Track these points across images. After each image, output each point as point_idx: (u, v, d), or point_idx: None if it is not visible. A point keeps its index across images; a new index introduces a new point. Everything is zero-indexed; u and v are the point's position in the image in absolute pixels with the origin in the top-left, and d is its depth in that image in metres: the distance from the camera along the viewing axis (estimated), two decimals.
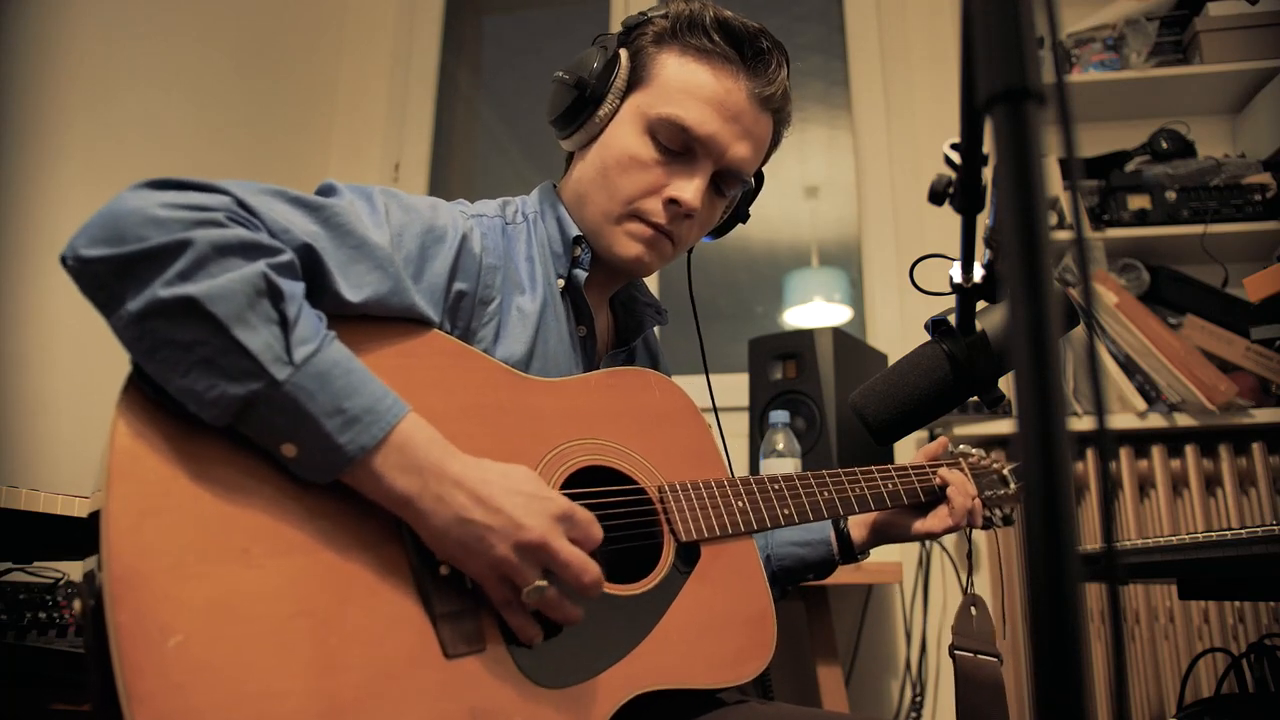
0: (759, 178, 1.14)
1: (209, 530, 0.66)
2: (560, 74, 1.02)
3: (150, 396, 0.68)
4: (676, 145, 0.99)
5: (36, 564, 1.39)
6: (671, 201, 0.99)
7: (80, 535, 1.21)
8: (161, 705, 0.59)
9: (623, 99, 1.01)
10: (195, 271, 0.67)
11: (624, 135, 1.00)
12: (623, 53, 1.01)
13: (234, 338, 0.66)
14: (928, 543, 2.20)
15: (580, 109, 1.01)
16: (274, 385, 0.67)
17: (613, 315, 1.16)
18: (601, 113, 1.01)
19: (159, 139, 2.08)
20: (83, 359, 1.78)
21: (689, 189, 0.98)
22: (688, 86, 0.98)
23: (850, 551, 1.17)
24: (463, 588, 0.76)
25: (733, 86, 0.98)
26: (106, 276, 0.67)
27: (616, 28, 1.07)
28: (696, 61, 0.99)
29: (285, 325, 0.69)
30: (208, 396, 0.66)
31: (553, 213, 1.05)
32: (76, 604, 0.66)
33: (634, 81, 1.01)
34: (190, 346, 0.66)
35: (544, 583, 0.75)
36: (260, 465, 0.70)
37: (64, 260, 0.68)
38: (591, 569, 0.76)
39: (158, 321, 0.66)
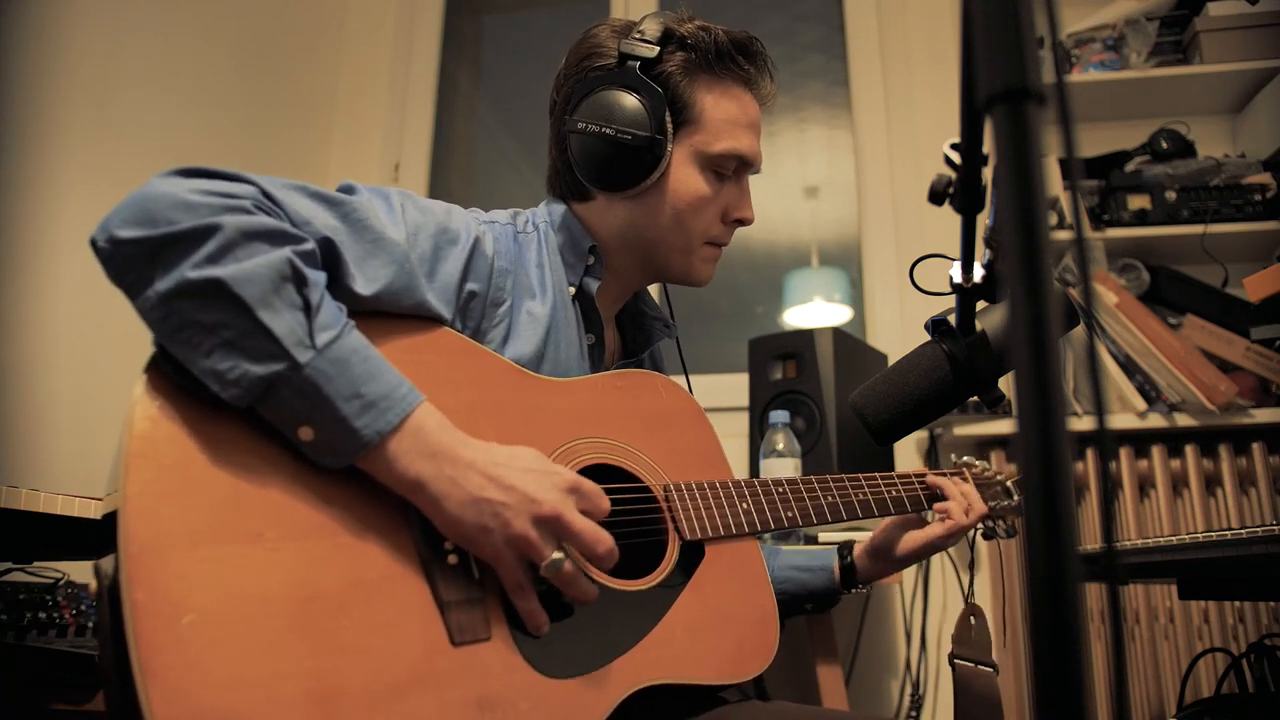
0: None
1: (224, 513, 0.67)
2: (604, 129, 0.97)
3: (171, 379, 0.70)
4: (730, 171, 1.04)
5: (36, 564, 1.39)
6: (737, 221, 1.06)
7: (80, 535, 1.21)
8: (175, 680, 0.60)
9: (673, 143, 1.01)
10: (223, 255, 0.69)
11: (688, 179, 1.01)
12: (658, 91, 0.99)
13: (259, 320, 0.68)
14: None
15: (648, 169, 0.99)
16: (296, 368, 0.69)
17: (619, 330, 1.17)
18: (663, 164, 1.00)
19: (159, 139, 2.08)
20: (83, 359, 1.78)
21: (749, 206, 1.07)
22: (730, 117, 1.02)
23: (851, 580, 1.16)
24: (470, 577, 0.77)
25: (752, 101, 1.05)
26: (137, 258, 0.69)
27: None
28: (728, 89, 1.02)
29: (308, 310, 0.71)
30: (229, 376, 0.68)
31: (564, 223, 1.06)
32: (92, 585, 0.66)
33: (679, 122, 1.01)
34: (215, 328, 0.68)
35: (561, 554, 0.77)
36: (275, 450, 0.71)
37: (94, 242, 0.70)
38: (605, 538, 0.79)
39: (185, 302, 0.68)
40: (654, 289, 1.44)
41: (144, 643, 0.60)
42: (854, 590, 1.17)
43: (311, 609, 0.67)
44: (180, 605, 0.62)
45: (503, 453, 0.78)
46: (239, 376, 0.68)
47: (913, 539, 1.12)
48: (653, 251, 1.05)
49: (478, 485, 0.75)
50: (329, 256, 0.79)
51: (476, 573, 0.78)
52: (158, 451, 0.66)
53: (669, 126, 0.99)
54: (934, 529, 1.11)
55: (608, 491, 0.90)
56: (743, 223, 1.07)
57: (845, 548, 1.17)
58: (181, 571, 0.63)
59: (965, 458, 1.23)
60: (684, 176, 1.01)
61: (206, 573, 0.64)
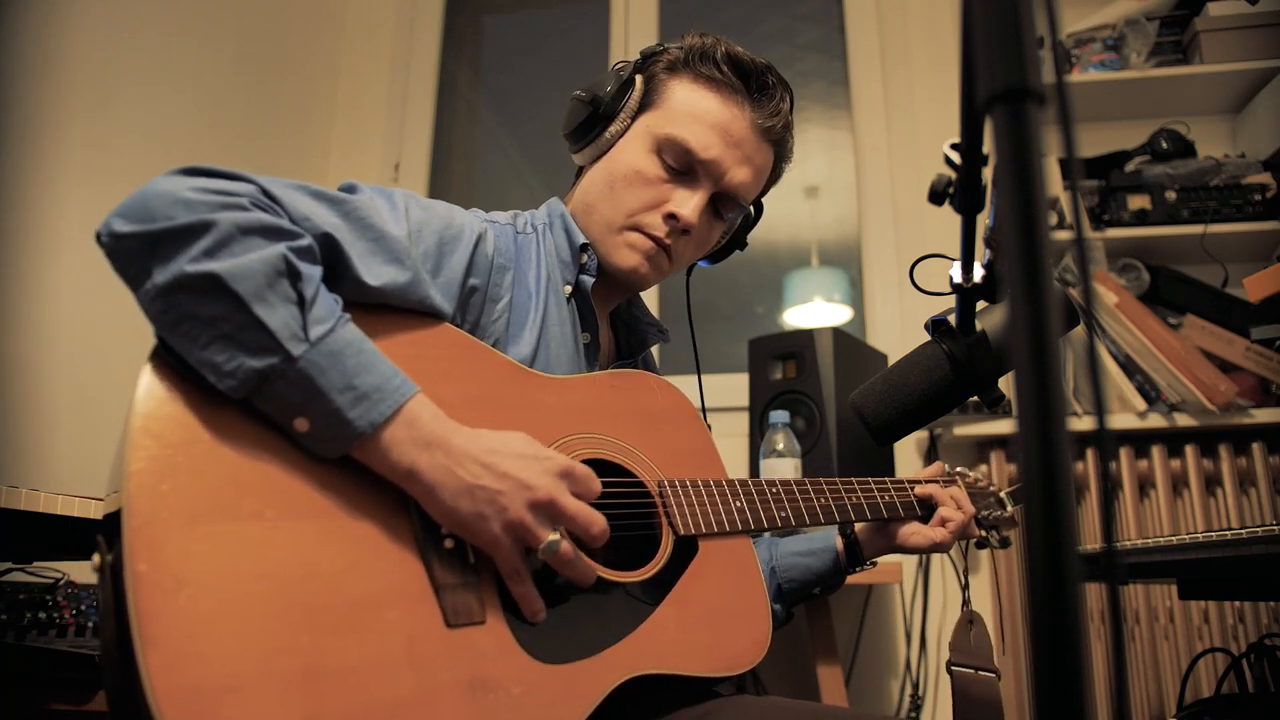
0: (759, 207, 1.20)
1: (225, 492, 0.69)
2: (579, 92, 1.06)
3: (174, 368, 0.71)
4: (680, 165, 1.03)
5: (36, 564, 1.39)
6: (670, 216, 1.03)
7: (80, 535, 1.21)
8: (172, 649, 0.61)
9: (634, 119, 1.06)
10: (219, 250, 0.70)
11: (632, 152, 1.04)
12: (638, 77, 1.06)
13: (254, 314, 0.70)
14: None
15: (593, 125, 1.05)
16: (289, 361, 0.70)
17: (614, 333, 1.18)
18: (612, 130, 1.05)
19: (159, 139, 2.08)
20: (83, 359, 1.78)
21: (688, 205, 1.03)
22: (694, 111, 1.03)
23: (857, 557, 1.16)
24: (465, 561, 0.78)
25: (737, 114, 1.04)
26: (136, 252, 0.71)
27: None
28: (705, 89, 1.04)
29: (303, 305, 0.73)
30: (226, 368, 0.70)
31: (560, 223, 1.08)
32: (95, 558, 0.68)
33: (645, 103, 1.06)
34: (212, 321, 0.70)
35: (557, 536, 0.78)
36: (275, 438, 0.73)
37: (99, 237, 0.72)
38: (598, 519, 0.80)
39: (182, 296, 0.70)
40: (651, 294, 1.45)
41: (144, 612, 0.61)
42: (861, 568, 1.16)
43: (308, 587, 0.69)
44: (180, 578, 0.63)
45: (495, 439, 0.79)
46: (235, 368, 0.70)
47: (915, 533, 1.14)
48: (588, 221, 1.06)
49: (472, 473, 0.76)
50: (330, 252, 0.80)
51: (472, 558, 0.79)
52: (162, 430, 0.68)
53: (631, 99, 1.05)
54: (936, 532, 1.13)
55: (603, 485, 0.91)
56: (676, 220, 1.02)
57: (846, 525, 1.17)
58: (182, 546, 0.65)
59: (959, 468, 1.24)
60: (630, 150, 1.05)
61: (206, 549, 0.66)
